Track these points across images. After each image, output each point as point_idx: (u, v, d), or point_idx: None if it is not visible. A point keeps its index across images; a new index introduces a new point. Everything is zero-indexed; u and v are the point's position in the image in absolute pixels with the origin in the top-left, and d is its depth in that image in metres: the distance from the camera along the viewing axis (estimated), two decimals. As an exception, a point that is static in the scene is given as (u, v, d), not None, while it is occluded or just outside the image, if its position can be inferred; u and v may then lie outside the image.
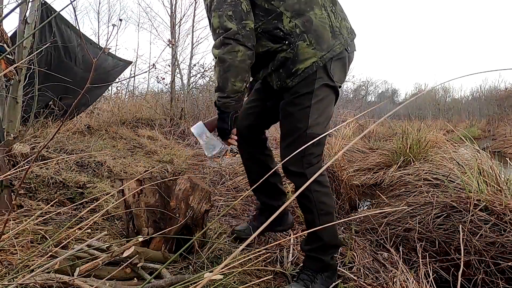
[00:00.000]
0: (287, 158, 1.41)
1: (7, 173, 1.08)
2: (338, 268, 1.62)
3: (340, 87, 1.50)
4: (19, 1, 2.82)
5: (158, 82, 8.45)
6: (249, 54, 1.35)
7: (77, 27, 4.46)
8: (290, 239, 1.83)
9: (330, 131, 1.50)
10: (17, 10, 2.87)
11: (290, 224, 1.91)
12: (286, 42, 1.38)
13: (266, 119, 1.73)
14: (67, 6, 0.86)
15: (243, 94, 1.44)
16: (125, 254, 1.26)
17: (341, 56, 1.44)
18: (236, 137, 1.55)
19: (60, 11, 0.90)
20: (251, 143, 1.74)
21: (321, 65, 1.39)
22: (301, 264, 1.59)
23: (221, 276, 1.29)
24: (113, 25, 1.10)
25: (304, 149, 1.37)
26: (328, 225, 1.43)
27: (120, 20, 1.54)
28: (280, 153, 1.51)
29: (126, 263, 1.26)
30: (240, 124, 1.65)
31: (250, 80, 1.51)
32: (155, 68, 7.60)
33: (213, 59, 1.40)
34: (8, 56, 2.59)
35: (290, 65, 1.40)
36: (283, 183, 1.92)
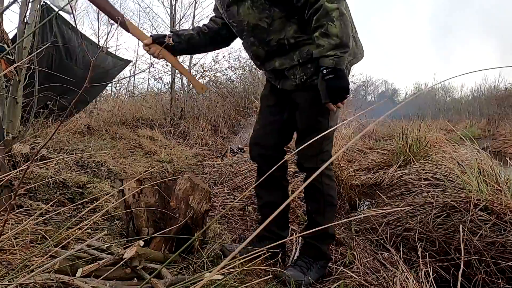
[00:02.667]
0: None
1: (7, 173, 1.08)
2: (338, 267, 1.62)
3: None
4: (20, 2, 2.81)
5: (155, 80, 8.44)
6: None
7: (76, 27, 4.46)
8: (290, 239, 1.83)
9: (330, 130, 1.52)
10: (17, 11, 2.87)
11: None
12: None
13: (287, 133, 1.66)
14: (66, 5, 0.86)
15: None
16: (126, 256, 1.26)
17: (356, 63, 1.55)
18: None
19: (59, 10, 0.91)
20: (274, 164, 1.53)
21: (346, 69, 1.43)
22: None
23: (221, 276, 1.29)
24: (114, 23, 1.10)
25: (320, 147, 1.48)
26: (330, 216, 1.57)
27: (120, 18, 1.54)
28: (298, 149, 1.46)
29: (126, 264, 1.26)
30: (264, 144, 1.62)
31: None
32: (153, 67, 7.61)
33: (329, 14, 1.30)
34: (8, 56, 2.59)
35: None
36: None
